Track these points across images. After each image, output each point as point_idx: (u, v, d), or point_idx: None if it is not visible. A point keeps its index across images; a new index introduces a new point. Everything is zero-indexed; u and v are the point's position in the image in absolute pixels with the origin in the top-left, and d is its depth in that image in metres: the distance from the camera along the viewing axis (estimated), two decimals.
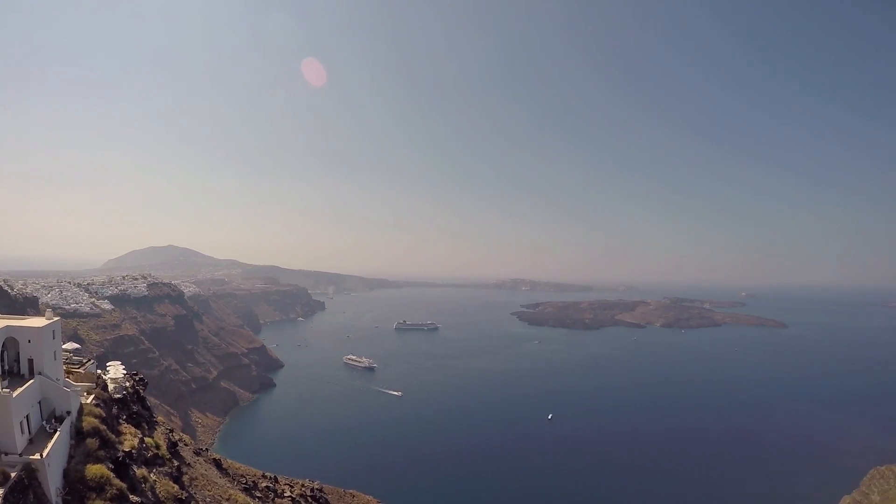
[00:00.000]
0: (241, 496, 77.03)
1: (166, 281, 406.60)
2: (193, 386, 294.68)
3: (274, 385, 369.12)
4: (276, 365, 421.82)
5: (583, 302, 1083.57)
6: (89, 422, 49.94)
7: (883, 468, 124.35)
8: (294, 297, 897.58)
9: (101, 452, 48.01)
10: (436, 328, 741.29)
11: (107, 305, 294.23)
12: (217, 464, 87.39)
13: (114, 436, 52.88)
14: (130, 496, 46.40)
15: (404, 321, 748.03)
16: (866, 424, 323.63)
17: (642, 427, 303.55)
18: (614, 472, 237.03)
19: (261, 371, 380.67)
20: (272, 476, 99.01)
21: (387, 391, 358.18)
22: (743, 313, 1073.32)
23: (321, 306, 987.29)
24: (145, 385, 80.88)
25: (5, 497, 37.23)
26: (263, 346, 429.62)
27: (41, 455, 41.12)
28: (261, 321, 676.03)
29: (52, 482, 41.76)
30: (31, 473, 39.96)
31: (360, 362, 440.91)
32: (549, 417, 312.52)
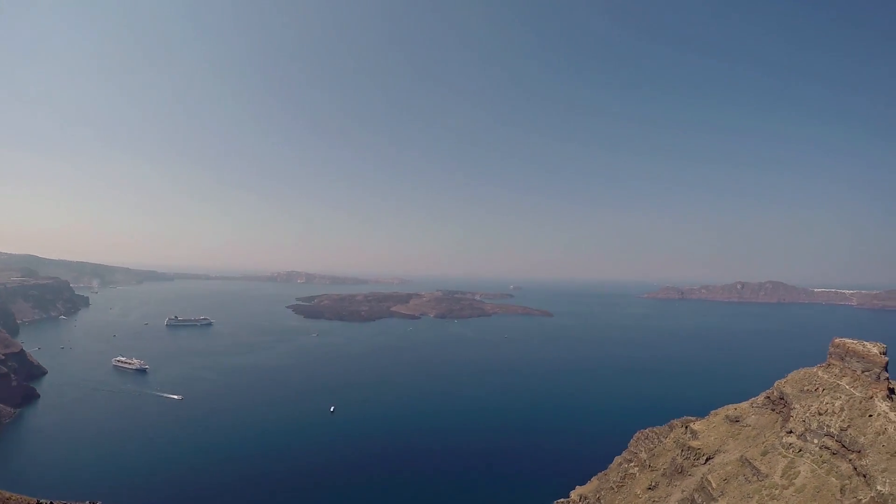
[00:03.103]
0: None
1: None
2: None
3: (38, 396, 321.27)
4: (39, 372, 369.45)
5: (358, 294, 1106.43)
6: None
7: (647, 430, 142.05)
8: (55, 292, 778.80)
9: None
10: (210, 323, 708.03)
11: None
12: None
13: None
14: None
15: (176, 317, 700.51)
16: (629, 394, 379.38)
17: (425, 411, 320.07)
18: (398, 458, 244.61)
19: (22, 380, 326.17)
20: (48, 502, 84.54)
21: (164, 395, 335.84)
22: (512, 304, 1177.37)
23: (85, 302, 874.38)
24: None
25: None
26: (23, 351, 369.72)
27: None
28: (17, 320, 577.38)
29: None
30: None
31: (130, 364, 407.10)
32: (332, 410, 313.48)
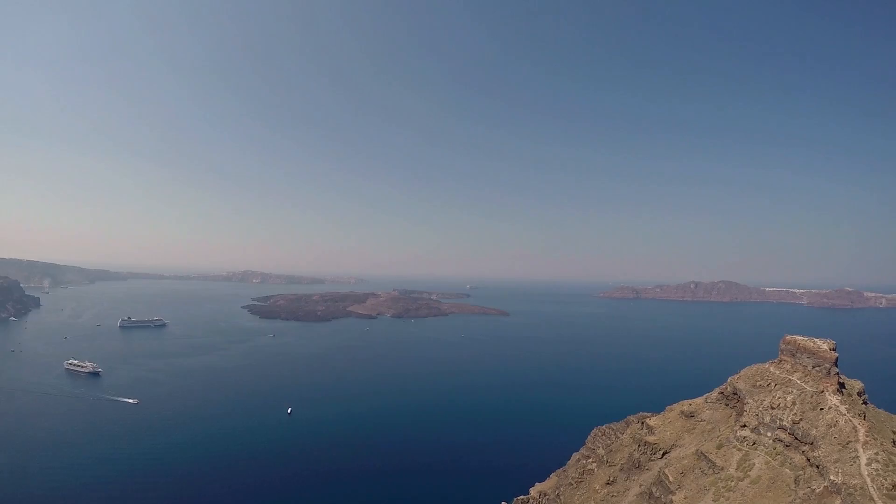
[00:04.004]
0: None
1: None
2: None
3: None
4: None
5: (314, 294, 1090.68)
6: None
7: (604, 426, 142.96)
8: (4, 292, 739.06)
9: None
10: (164, 324, 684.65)
11: None
12: None
13: None
14: None
15: (129, 318, 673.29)
16: (585, 391, 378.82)
17: (383, 411, 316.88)
18: (358, 458, 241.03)
19: None
20: None
21: (120, 399, 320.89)
22: (468, 303, 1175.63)
23: (35, 302, 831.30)
24: None
25: None
26: None
27: None
28: None
29: None
30: None
31: (83, 367, 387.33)
32: (289, 411, 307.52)
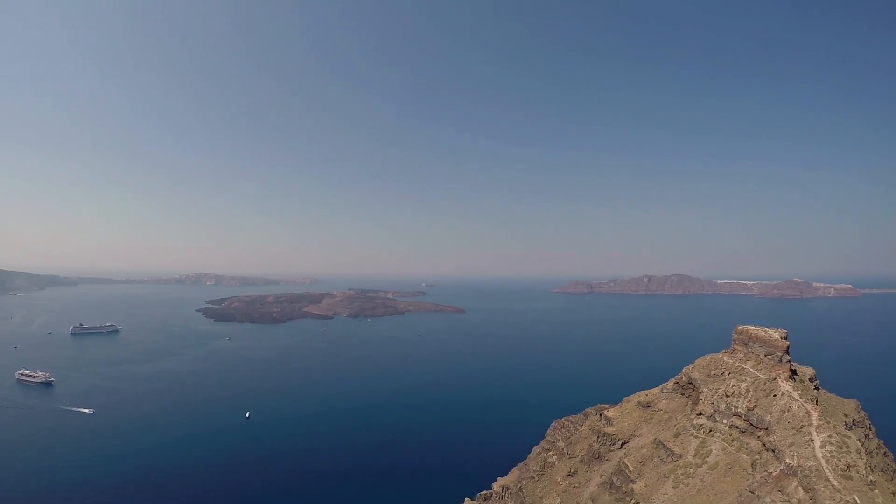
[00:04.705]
0: None
1: None
2: None
3: None
4: None
5: (269, 296, 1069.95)
6: None
7: (563, 419, 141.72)
8: None
9: None
10: (117, 330, 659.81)
11: None
12: None
13: None
14: None
15: (81, 324, 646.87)
16: (543, 385, 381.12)
17: (343, 412, 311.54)
18: (318, 460, 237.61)
19: None
20: None
21: (74, 409, 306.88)
22: (425, 302, 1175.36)
23: None
24: None
25: None
26: None
27: None
28: None
29: None
30: None
31: (34, 377, 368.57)
32: (248, 416, 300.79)
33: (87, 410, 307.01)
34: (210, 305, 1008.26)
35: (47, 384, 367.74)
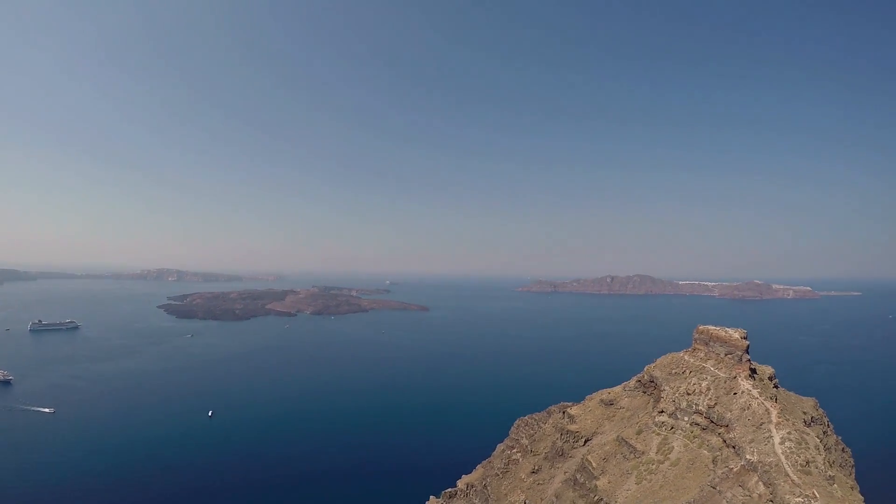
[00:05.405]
0: None
1: None
2: None
3: None
4: None
5: (232, 292, 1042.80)
6: None
7: (526, 417, 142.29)
8: None
9: None
10: (77, 327, 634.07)
11: None
12: None
13: None
14: None
15: (40, 321, 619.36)
16: (507, 383, 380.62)
17: (307, 411, 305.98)
18: (282, 460, 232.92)
19: None
20: None
21: (34, 408, 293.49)
22: (389, 299, 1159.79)
23: None
24: None
25: None
26: None
27: None
28: None
29: None
30: None
31: None
32: (210, 414, 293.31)
33: (47, 410, 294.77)
34: (172, 302, 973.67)
35: (5, 382, 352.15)
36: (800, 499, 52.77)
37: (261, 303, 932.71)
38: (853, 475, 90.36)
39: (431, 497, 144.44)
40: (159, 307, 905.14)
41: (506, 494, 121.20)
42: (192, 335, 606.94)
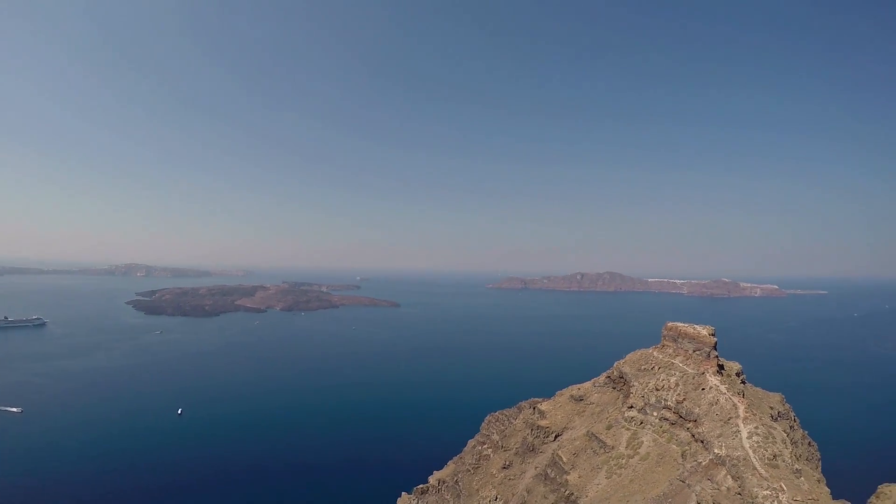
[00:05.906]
0: None
1: None
2: None
3: None
4: None
5: (201, 288, 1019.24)
6: None
7: (497, 413, 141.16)
8: None
9: None
10: (43, 323, 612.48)
11: None
12: None
13: None
14: None
15: (6, 317, 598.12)
16: (477, 379, 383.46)
17: (277, 409, 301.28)
18: (252, 457, 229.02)
19: None
20: None
21: (1, 408, 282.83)
22: (359, 295, 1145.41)
23: None
24: None
25: None
26: None
27: None
28: None
29: None
30: None
31: None
32: (179, 412, 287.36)
33: (14, 409, 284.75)
34: (140, 298, 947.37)
35: None
36: (767, 491, 52.91)
37: (230, 299, 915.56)
38: (819, 468, 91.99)
39: (403, 493, 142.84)
40: (128, 303, 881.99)
41: (477, 490, 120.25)
42: (161, 332, 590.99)
